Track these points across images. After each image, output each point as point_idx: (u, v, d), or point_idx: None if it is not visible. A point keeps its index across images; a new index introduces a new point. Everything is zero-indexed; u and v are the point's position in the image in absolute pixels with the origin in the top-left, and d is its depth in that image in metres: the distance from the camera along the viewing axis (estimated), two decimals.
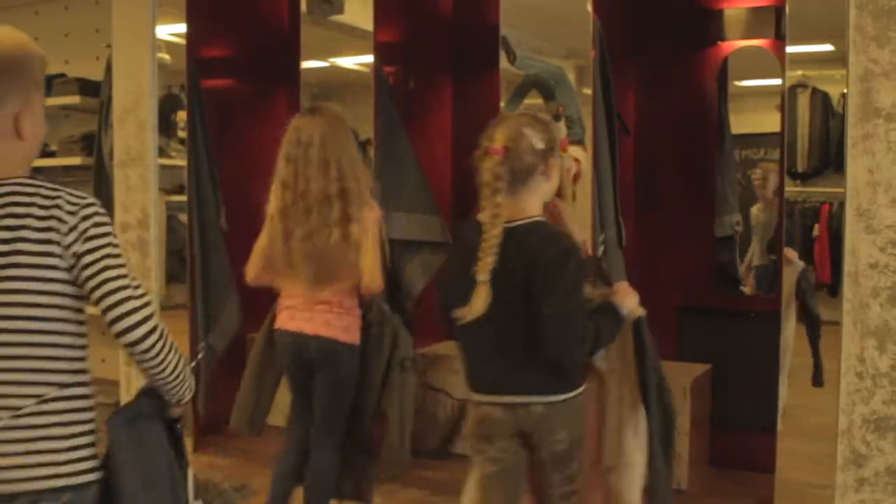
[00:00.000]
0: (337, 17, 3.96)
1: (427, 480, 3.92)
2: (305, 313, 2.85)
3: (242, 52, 4.81)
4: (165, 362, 1.63)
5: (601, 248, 3.37)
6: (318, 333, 2.83)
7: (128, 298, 1.59)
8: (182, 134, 4.43)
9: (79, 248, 1.58)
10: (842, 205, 3.01)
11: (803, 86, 3.35)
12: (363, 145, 4.28)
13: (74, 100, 5.58)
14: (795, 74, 3.27)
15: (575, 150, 3.44)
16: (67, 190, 1.62)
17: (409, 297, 4.04)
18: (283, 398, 4.81)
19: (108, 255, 1.59)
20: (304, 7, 3.98)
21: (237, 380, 4.79)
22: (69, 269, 1.58)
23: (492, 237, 2.17)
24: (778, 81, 3.42)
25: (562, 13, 3.58)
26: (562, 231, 2.31)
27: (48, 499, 1.57)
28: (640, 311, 2.35)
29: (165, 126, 4.45)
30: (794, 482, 3.10)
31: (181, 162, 4.37)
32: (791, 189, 3.26)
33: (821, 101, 3.32)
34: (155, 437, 1.69)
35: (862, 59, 2.93)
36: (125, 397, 4.50)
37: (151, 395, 1.72)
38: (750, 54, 3.92)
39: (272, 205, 2.83)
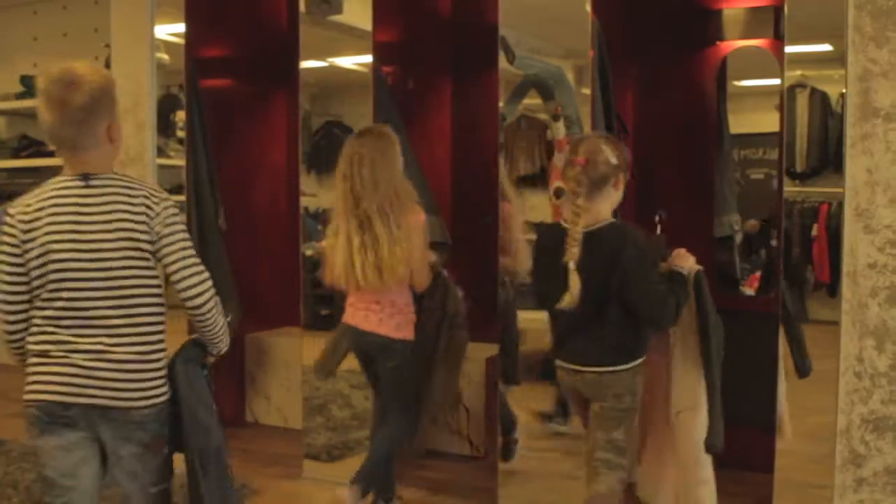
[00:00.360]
0: (336, 17, 3.95)
1: (427, 480, 3.92)
2: (361, 312, 3.30)
3: (241, 52, 4.81)
4: (215, 322, 2.24)
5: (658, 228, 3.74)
6: (373, 331, 3.28)
7: (195, 273, 2.18)
8: (181, 134, 4.42)
9: (161, 229, 2.14)
10: (840, 205, 3.01)
11: (802, 86, 3.35)
12: None
13: None
14: (794, 74, 3.27)
15: None
16: (146, 184, 2.21)
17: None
18: (281, 397, 4.81)
19: (182, 239, 2.18)
20: (302, 7, 3.98)
21: (236, 380, 4.81)
22: (153, 243, 2.14)
23: (575, 232, 2.63)
24: (777, 81, 3.42)
25: (561, 13, 3.58)
26: (632, 228, 2.75)
27: (154, 411, 2.15)
28: (698, 268, 2.79)
29: (164, 126, 4.45)
30: (793, 482, 3.10)
31: (180, 162, 4.37)
32: (790, 189, 3.25)
33: (819, 100, 3.32)
34: (199, 374, 2.28)
35: (861, 58, 2.93)
36: None
37: (196, 344, 2.30)
38: (749, 54, 3.92)
39: (336, 219, 3.23)
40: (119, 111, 2.21)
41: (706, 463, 2.85)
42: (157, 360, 2.16)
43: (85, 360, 2.08)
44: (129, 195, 2.13)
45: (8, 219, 2.14)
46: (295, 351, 4.43)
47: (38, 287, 2.10)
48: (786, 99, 3.23)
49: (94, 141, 2.13)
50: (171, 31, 4.40)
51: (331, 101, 4.58)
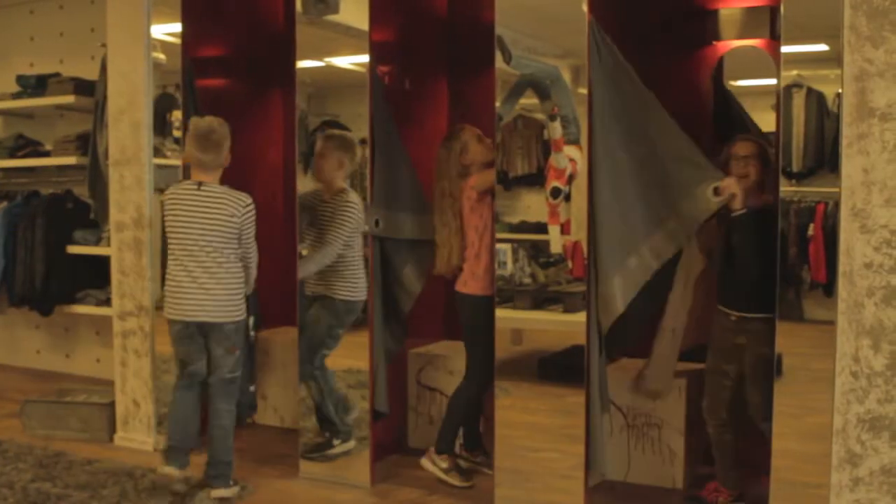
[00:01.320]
0: (332, 17, 3.95)
1: (423, 480, 3.92)
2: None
3: (237, 51, 4.81)
4: (253, 274, 3.79)
5: None
6: (457, 290, 3.93)
7: (253, 251, 3.73)
8: (177, 133, 4.42)
9: (243, 223, 3.65)
10: (837, 204, 3.01)
11: (798, 86, 3.35)
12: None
13: (69, 99, 5.56)
14: (790, 74, 3.27)
15: (571, 150, 3.44)
16: (236, 192, 3.68)
17: (409, 297, 4.04)
18: (278, 396, 4.80)
19: (251, 231, 3.69)
20: (299, 7, 3.97)
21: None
22: (239, 229, 3.63)
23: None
24: (773, 81, 3.42)
25: (557, 13, 3.58)
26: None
27: (236, 325, 3.71)
28: None
29: (160, 126, 4.44)
30: (790, 482, 3.10)
31: (176, 161, 4.37)
32: (786, 189, 3.26)
33: (816, 100, 3.33)
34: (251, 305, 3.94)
35: (857, 58, 2.93)
36: (120, 397, 4.49)
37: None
38: (745, 54, 3.92)
39: None
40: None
41: None
42: (238, 293, 3.69)
43: (194, 291, 3.61)
44: (227, 199, 3.62)
45: (162, 201, 3.73)
46: (292, 351, 4.43)
47: (170, 243, 3.66)
48: (782, 99, 3.24)
49: (217, 164, 3.66)
50: (167, 30, 4.39)
51: (327, 100, 4.58)
